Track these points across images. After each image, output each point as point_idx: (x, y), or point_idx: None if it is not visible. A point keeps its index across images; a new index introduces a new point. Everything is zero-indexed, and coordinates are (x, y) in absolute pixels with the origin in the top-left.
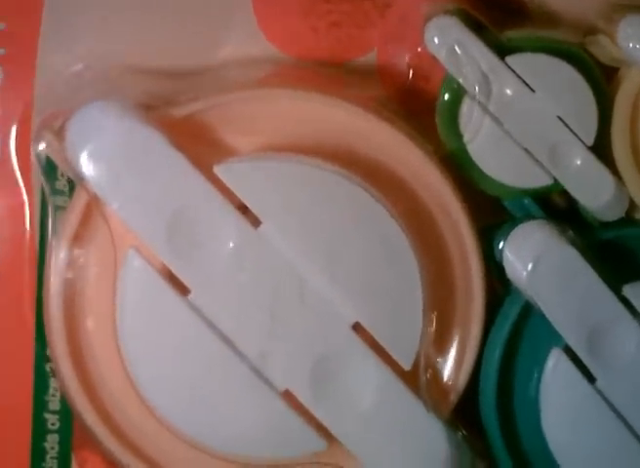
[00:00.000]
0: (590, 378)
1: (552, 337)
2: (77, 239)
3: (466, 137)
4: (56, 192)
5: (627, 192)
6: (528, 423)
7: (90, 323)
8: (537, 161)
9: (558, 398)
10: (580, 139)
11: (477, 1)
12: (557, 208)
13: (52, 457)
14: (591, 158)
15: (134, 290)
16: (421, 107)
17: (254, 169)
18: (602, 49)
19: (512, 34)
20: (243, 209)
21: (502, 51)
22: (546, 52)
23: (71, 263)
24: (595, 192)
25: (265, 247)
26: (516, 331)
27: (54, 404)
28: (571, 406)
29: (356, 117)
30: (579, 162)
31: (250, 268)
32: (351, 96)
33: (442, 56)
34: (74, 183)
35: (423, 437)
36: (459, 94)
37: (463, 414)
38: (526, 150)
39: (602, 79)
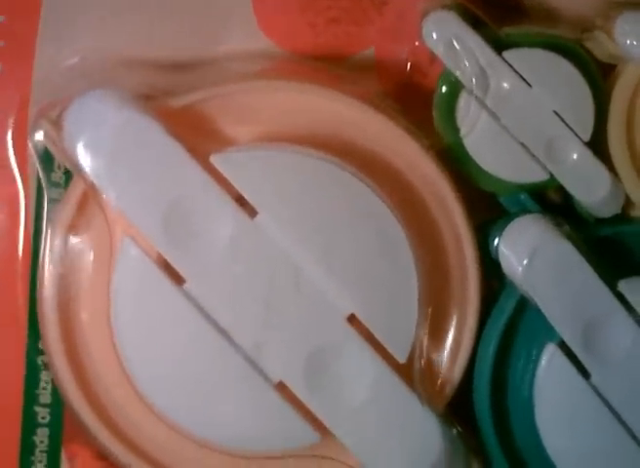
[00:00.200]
0: (585, 374)
1: (547, 332)
2: (73, 228)
3: (463, 131)
4: (51, 184)
5: (623, 188)
6: (522, 419)
7: (84, 312)
8: (533, 156)
9: (553, 393)
10: (577, 135)
11: None
12: (553, 203)
13: (41, 451)
14: (588, 154)
15: (129, 279)
16: (419, 103)
17: (251, 158)
18: (599, 45)
19: (510, 30)
20: (240, 200)
21: (500, 46)
22: (544, 47)
23: (67, 253)
24: (591, 188)
25: (262, 237)
26: (511, 325)
27: (44, 397)
28: (565, 401)
29: (352, 108)
30: (575, 157)
31: (246, 258)
32: (349, 89)
33: (440, 50)
34: (70, 176)
35: (418, 430)
36: (456, 88)
37: (458, 411)
38: (522, 145)
39: (599, 75)
